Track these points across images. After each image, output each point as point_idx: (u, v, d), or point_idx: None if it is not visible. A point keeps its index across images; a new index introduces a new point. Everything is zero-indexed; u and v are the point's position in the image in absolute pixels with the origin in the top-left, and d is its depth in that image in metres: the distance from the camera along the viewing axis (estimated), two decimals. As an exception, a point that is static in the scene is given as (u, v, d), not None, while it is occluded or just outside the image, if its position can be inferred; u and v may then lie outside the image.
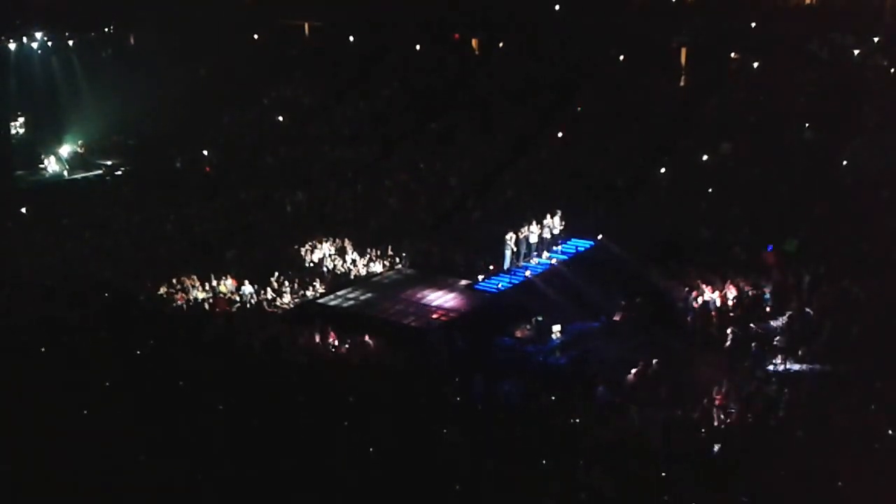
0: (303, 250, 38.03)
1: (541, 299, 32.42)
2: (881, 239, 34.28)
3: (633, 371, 26.71)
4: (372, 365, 27.48)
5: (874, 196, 37.00)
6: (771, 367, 27.13)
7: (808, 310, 29.72)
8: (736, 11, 48.32)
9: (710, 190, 40.05)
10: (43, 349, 26.84)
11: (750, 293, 31.98)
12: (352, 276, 35.93)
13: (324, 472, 19.85)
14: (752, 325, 29.84)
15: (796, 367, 26.68)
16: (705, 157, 42.89)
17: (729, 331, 29.15)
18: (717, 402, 24.22)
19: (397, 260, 37.03)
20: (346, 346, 28.59)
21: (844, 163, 40.19)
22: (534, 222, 34.87)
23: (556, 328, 30.66)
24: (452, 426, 22.38)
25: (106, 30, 57.56)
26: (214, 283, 34.38)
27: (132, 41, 58.23)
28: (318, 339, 28.84)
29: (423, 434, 21.85)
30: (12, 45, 52.33)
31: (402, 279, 35.46)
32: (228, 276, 34.69)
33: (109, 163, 52.84)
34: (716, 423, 23.30)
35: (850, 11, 46.61)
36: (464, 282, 33.88)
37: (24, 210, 43.47)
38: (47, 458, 20.03)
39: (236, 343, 28.45)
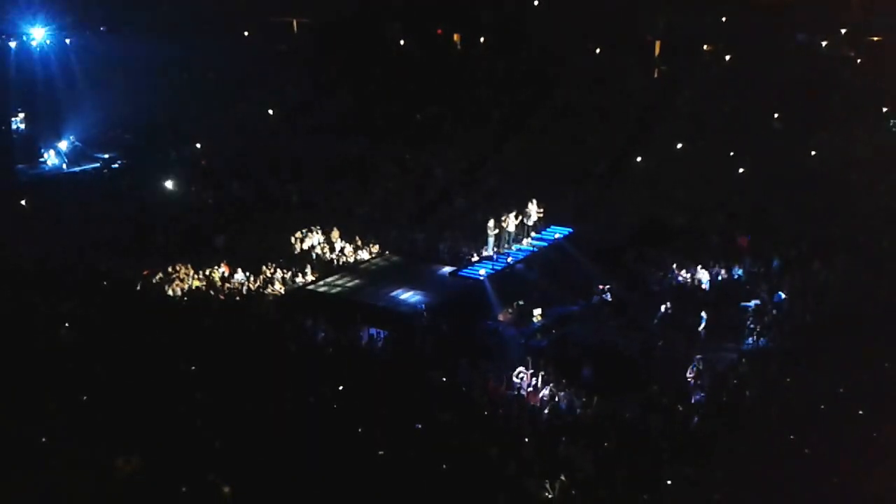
0: (293, 239, 37.81)
1: (522, 284, 32.38)
2: (849, 223, 34.42)
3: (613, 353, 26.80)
4: (360, 349, 27.41)
5: (842, 182, 37.15)
6: (743, 347, 27.22)
7: (779, 292, 29.78)
8: (708, 6, 48.36)
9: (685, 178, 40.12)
10: (43, 338, 26.60)
11: (722, 276, 32.08)
12: (340, 264, 35.75)
13: (317, 455, 19.72)
14: (724, 307, 29.95)
15: (768, 347, 26.71)
16: (679, 146, 42.93)
17: (703, 312, 29.19)
18: (691, 381, 24.22)
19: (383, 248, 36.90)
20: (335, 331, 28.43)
21: (813, 152, 40.36)
22: (515, 210, 34.74)
23: (537, 312, 30.61)
24: (440, 408, 22.32)
25: (102, 28, 57.11)
26: (208, 271, 34.18)
27: (127, 39, 57.63)
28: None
29: (410, 416, 21.73)
30: (12, 43, 51.91)
31: (388, 266, 35.30)
32: (222, 264, 34.51)
33: (106, 156, 52.44)
34: (692, 401, 23.28)
35: (817, 4, 46.72)
36: (448, 268, 33.73)
37: (24, 202, 43.09)
38: (48, 448, 19.89)
39: (233, 328, 28.26)
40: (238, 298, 32.52)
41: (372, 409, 21.90)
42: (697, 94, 46.05)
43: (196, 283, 33.39)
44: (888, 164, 39.24)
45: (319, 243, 37.36)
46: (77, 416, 21.40)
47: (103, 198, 44.01)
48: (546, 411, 23.40)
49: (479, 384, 24.62)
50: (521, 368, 25.02)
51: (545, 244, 35.37)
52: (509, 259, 33.54)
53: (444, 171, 44.72)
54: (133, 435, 20.17)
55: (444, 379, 24.74)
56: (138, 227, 39.63)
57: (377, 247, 36.78)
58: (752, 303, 29.60)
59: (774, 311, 28.96)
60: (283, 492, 18.57)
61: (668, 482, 18.94)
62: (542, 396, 24.00)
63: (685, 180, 40.01)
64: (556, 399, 23.79)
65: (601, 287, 31.93)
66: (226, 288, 33.37)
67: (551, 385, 24.22)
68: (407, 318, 29.46)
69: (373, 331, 28.76)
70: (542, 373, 24.68)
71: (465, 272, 33.09)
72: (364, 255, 36.37)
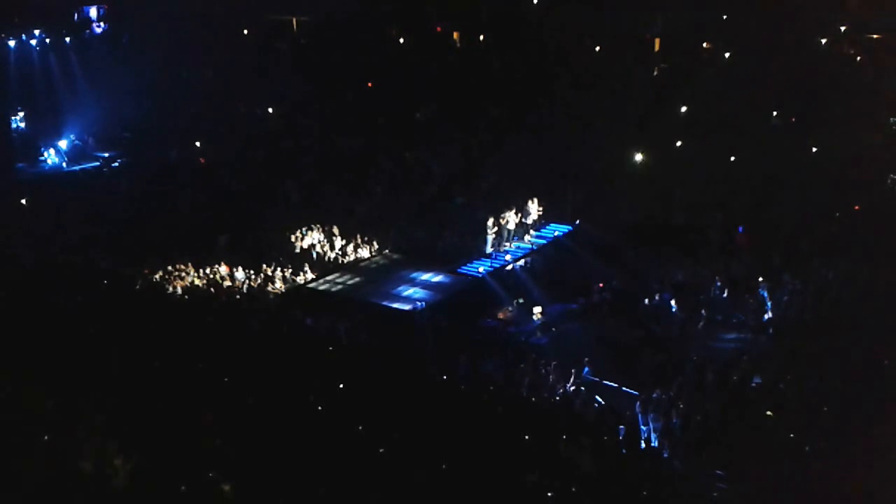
0: (293, 237, 37.78)
1: (521, 282, 32.35)
2: (849, 222, 34.38)
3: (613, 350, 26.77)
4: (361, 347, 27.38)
5: (843, 181, 37.11)
6: (744, 345, 27.16)
7: (779, 289, 29.74)
8: (707, 4, 48.31)
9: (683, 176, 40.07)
10: (43, 335, 26.56)
11: (722, 274, 32.04)
12: (341, 262, 35.73)
13: (316, 451, 19.68)
14: (724, 304, 29.93)
15: (768, 345, 26.66)
16: (678, 144, 42.88)
17: (703, 310, 29.15)
18: (691, 379, 24.16)
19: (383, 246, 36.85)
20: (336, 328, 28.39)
21: (814, 149, 40.33)
22: (514, 208, 34.71)
23: (537, 310, 30.57)
24: (440, 407, 22.29)
25: (100, 27, 57.07)
26: (208, 269, 34.16)
27: (126, 38, 57.60)
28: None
29: (409, 413, 21.68)
30: (12, 43, 51.87)
31: (388, 264, 35.29)
32: (222, 263, 34.48)
33: (106, 155, 52.45)
34: (691, 399, 23.21)
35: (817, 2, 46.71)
36: (448, 266, 33.68)
37: (24, 201, 43.07)
38: (46, 445, 19.83)
39: (233, 326, 28.22)
40: (239, 297, 32.50)
41: (372, 407, 21.88)
42: (697, 91, 45.95)
43: (196, 282, 33.40)
44: (888, 164, 39.20)
45: (319, 241, 37.34)
46: (77, 415, 21.38)
47: (103, 196, 43.99)
48: (546, 409, 23.37)
49: (478, 382, 24.61)
50: (520, 366, 25.00)
51: (545, 242, 35.33)
52: (508, 257, 33.51)
53: (443, 169, 44.63)
54: (132, 433, 20.14)
55: (444, 377, 24.74)
56: (138, 225, 39.61)
57: (377, 245, 36.77)
58: (753, 300, 29.54)
59: (775, 310, 28.90)
60: (283, 490, 18.54)
61: (667, 480, 18.94)
62: (542, 394, 23.95)
63: (684, 178, 39.91)
64: (557, 396, 23.76)
65: (601, 284, 31.90)
66: (226, 286, 33.36)
67: (551, 382, 24.17)
68: (407, 316, 29.42)
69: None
70: (542, 370, 24.64)
71: (465, 270, 33.09)
72: (364, 253, 36.34)
